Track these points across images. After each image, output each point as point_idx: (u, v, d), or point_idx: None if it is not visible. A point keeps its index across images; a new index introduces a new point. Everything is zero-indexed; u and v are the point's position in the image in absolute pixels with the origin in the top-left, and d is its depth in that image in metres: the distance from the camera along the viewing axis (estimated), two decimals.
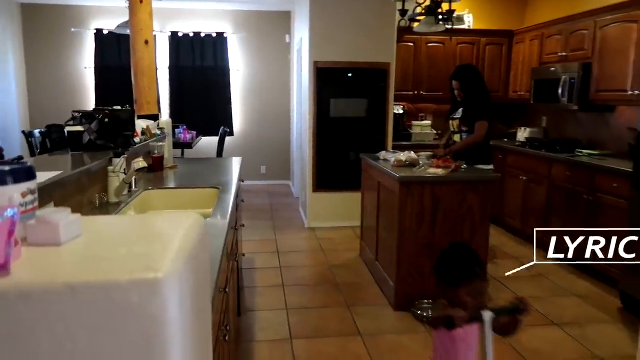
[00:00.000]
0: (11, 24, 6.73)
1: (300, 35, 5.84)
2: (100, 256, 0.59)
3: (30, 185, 0.72)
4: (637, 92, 3.83)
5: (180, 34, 7.19)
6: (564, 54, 4.77)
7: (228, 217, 2.13)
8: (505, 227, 5.35)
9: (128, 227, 0.73)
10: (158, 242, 0.61)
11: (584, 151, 4.41)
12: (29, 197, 0.72)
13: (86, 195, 2.25)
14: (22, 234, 0.66)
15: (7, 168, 0.73)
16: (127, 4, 4.13)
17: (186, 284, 0.57)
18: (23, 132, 5.85)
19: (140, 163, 2.32)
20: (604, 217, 3.80)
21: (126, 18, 4.45)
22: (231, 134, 7.44)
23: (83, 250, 0.61)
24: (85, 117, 2.81)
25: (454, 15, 3.79)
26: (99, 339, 0.55)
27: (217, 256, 1.60)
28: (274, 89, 7.60)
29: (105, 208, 2.27)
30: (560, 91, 4.65)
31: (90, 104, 7.11)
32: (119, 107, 3.04)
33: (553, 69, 4.83)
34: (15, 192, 0.70)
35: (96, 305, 0.51)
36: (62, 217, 0.64)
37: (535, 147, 4.85)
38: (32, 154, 5.28)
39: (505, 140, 5.80)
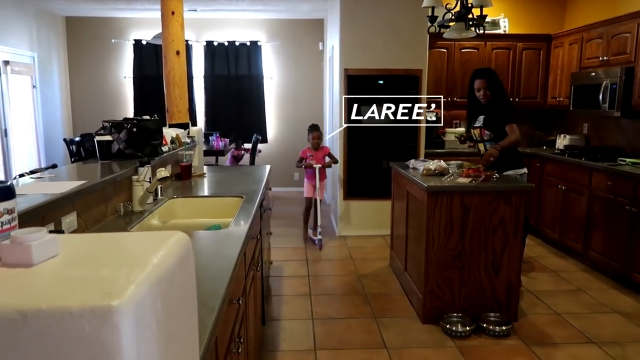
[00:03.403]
0: (56, 36, 7.04)
1: (332, 43, 5.83)
2: (66, 279, 0.58)
3: (8, 204, 0.72)
4: None
5: (215, 43, 7.32)
6: (605, 58, 4.55)
7: (247, 226, 2.13)
8: (543, 238, 5.15)
9: (107, 246, 0.72)
10: (128, 264, 0.60)
11: (627, 159, 4.18)
12: (6, 217, 0.72)
13: (111, 204, 2.30)
14: None
15: None
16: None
17: (149, 310, 0.55)
18: (64, 139, 6.09)
19: (162, 172, 2.35)
20: None
21: None
22: (264, 140, 7.51)
23: (52, 272, 0.60)
24: (114, 126, 2.88)
25: (487, 20, 3.68)
26: None
27: (228, 267, 1.59)
28: (307, 96, 7.62)
29: (129, 217, 2.31)
30: (601, 97, 4.45)
31: (129, 112, 7.34)
32: (148, 117, 3.10)
33: (593, 73, 4.63)
34: None
35: (48, 333, 0.50)
36: (36, 237, 0.64)
37: (575, 155, 4.64)
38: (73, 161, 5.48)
39: (544, 147, 5.59)
